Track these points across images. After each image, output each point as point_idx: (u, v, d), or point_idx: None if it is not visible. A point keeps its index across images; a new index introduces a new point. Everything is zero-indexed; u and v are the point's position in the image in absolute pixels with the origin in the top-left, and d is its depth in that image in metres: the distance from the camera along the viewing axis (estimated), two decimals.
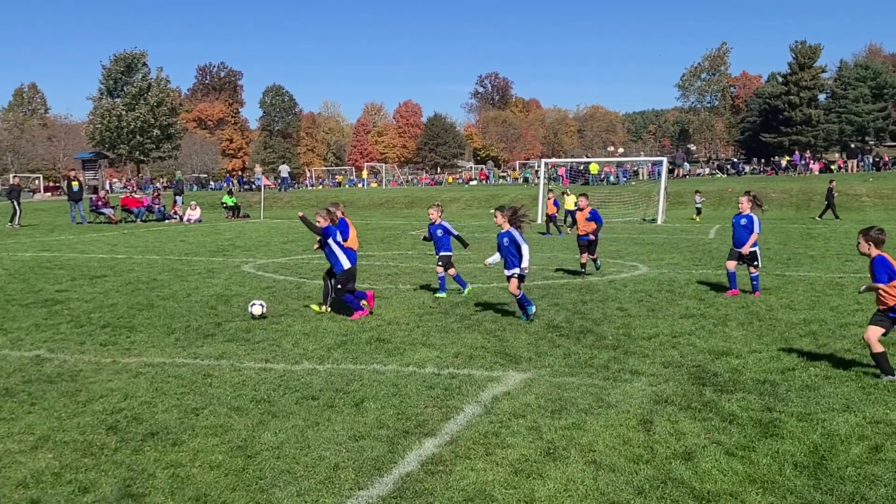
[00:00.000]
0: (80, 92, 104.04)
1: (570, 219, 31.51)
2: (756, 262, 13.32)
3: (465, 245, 13.98)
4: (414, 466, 5.78)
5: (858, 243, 8.24)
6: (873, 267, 8.00)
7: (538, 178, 48.32)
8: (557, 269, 16.95)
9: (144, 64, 75.17)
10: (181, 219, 38.19)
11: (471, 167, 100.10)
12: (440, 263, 13.51)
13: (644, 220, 34.98)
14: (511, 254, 11.17)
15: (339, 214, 12.36)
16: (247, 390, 7.80)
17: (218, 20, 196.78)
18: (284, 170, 64.43)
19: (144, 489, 5.41)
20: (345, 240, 12.08)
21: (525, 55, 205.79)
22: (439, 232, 13.54)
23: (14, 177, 38.36)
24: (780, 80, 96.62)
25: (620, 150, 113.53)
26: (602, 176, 58.36)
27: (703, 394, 7.49)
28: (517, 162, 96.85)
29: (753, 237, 13.18)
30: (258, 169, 70.71)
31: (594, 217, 15.86)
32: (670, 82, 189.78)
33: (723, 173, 70.14)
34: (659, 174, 41.94)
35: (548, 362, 8.81)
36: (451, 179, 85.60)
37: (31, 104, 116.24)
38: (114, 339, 10.29)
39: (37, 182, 76.64)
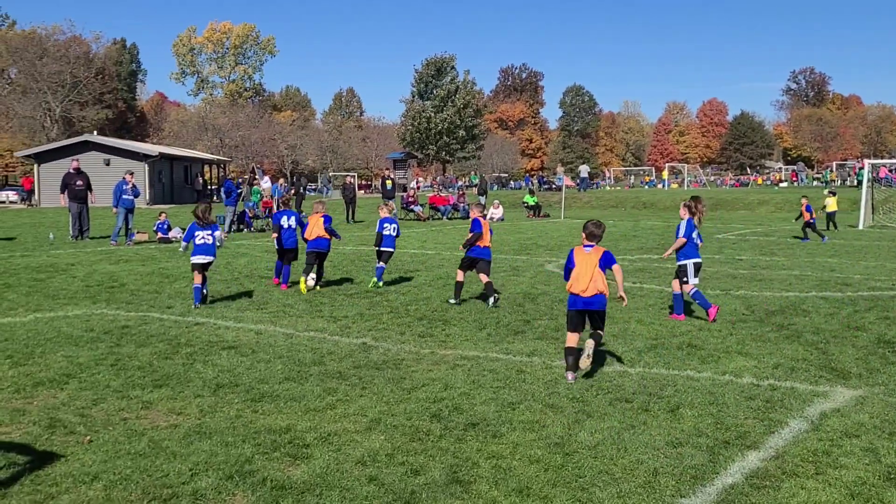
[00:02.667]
0: (391, 95, 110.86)
1: (831, 224, 28.99)
2: (684, 279, 11.46)
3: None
4: (738, 479, 5.56)
5: None
6: None
7: (858, 180, 44.88)
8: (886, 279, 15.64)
9: (453, 67, 78.52)
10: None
11: (780, 168, 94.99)
12: None
13: None
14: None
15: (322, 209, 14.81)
16: (560, 388, 7.89)
17: (520, 21, 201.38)
18: (584, 170, 64.66)
19: (470, 477, 5.63)
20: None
21: (845, 48, 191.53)
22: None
23: (348, 177, 41.56)
24: None
25: None
26: None
27: None
28: (833, 163, 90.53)
29: (676, 244, 11.56)
30: (560, 169, 71.49)
31: None
32: None
33: None
34: None
35: (881, 380, 8.13)
36: (759, 181, 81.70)
37: (349, 107, 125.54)
38: (430, 330, 10.82)
39: (349, 179, 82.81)
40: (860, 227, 32.23)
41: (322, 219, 14.62)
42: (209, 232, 13.04)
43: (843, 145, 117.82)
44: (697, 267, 11.63)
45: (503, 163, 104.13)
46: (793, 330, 10.68)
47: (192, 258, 12.98)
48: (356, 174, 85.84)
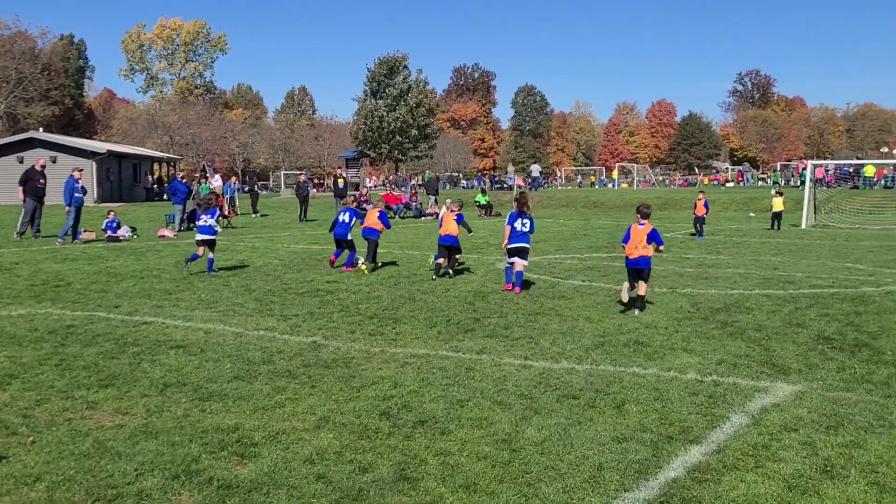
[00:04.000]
0: (344, 94, 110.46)
1: (776, 222, 29.99)
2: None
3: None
4: (680, 473, 5.68)
5: None
6: None
7: (801, 180, 45.85)
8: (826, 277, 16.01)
9: (406, 66, 78.44)
10: (436, 216, 39.55)
11: (727, 168, 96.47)
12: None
13: None
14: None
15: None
16: (508, 385, 7.97)
17: (473, 21, 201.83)
18: (536, 169, 65.09)
19: (418, 474, 5.68)
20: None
21: (789, 51, 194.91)
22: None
23: (302, 175, 41.27)
24: None
25: None
26: (877, 179, 54.20)
27: None
28: (778, 163, 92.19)
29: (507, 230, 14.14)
30: (511, 168, 71.86)
31: None
32: None
33: None
34: None
35: (820, 375, 8.34)
36: (706, 180, 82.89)
37: (301, 106, 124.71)
38: (381, 329, 10.85)
39: (303, 178, 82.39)
40: (803, 226, 32.89)
41: (378, 212, 17.61)
42: (209, 216, 16.23)
43: (787, 146, 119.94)
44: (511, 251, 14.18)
45: (456, 162, 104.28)
46: (736, 327, 10.90)
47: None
48: (310, 173, 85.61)
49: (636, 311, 11.83)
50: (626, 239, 12.23)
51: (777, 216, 30.74)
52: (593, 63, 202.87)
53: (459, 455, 6.04)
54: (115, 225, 25.03)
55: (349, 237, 17.26)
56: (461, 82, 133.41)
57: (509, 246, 14.15)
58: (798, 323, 11.15)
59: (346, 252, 17.38)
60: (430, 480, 5.56)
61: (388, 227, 17.70)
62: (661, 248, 12.50)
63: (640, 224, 12.07)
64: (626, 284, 11.99)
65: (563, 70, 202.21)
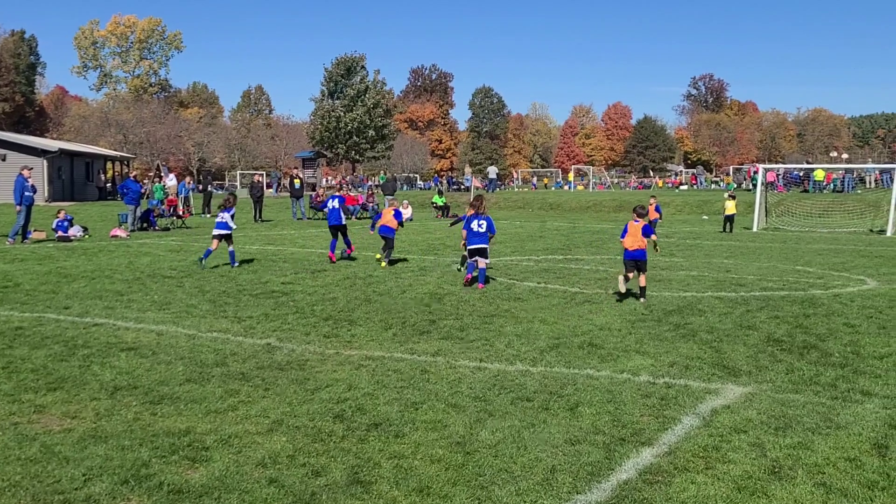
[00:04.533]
0: (301, 94, 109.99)
1: (728, 224, 30.60)
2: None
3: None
4: (632, 475, 5.72)
5: None
6: None
7: (753, 184, 46.56)
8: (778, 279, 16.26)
9: (363, 67, 78.29)
10: None
11: (681, 171, 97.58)
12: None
13: (872, 230, 32.84)
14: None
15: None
16: (463, 388, 7.98)
17: (431, 22, 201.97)
18: (493, 171, 65.24)
19: (371, 477, 5.66)
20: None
21: (742, 56, 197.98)
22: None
23: (257, 175, 40.92)
24: None
25: (845, 155, 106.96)
26: (826, 183, 55.18)
27: None
28: (730, 167, 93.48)
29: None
30: (468, 170, 71.98)
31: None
32: None
33: None
34: (889, 182, 39.24)
35: (769, 377, 8.47)
36: (660, 183, 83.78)
37: (258, 105, 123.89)
38: (336, 331, 10.80)
39: (260, 178, 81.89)
40: (754, 229, 33.35)
41: (392, 211, 18.71)
42: (226, 213, 17.69)
43: (740, 150, 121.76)
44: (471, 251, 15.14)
45: (413, 163, 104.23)
46: (689, 329, 11.02)
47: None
48: (278, 174, 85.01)
49: (641, 300, 13.23)
50: (624, 234, 13.50)
51: (729, 219, 31.23)
52: (550, 65, 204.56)
53: (413, 458, 6.03)
54: (66, 224, 24.65)
55: (343, 221, 19.11)
56: (419, 83, 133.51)
57: (469, 247, 15.18)
58: (749, 325, 11.30)
59: (342, 239, 19.13)
60: (384, 484, 5.55)
61: (401, 224, 19.18)
62: (654, 236, 14.03)
63: (635, 221, 13.43)
64: (622, 277, 13.34)
65: (521, 72, 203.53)
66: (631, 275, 13.40)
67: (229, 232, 17.67)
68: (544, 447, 6.27)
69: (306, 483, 5.54)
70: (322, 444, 6.32)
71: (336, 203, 19.30)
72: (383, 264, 17.96)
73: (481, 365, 8.94)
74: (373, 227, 18.94)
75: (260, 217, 35.81)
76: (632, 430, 6.71)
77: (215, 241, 17.62)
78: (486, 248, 14.95)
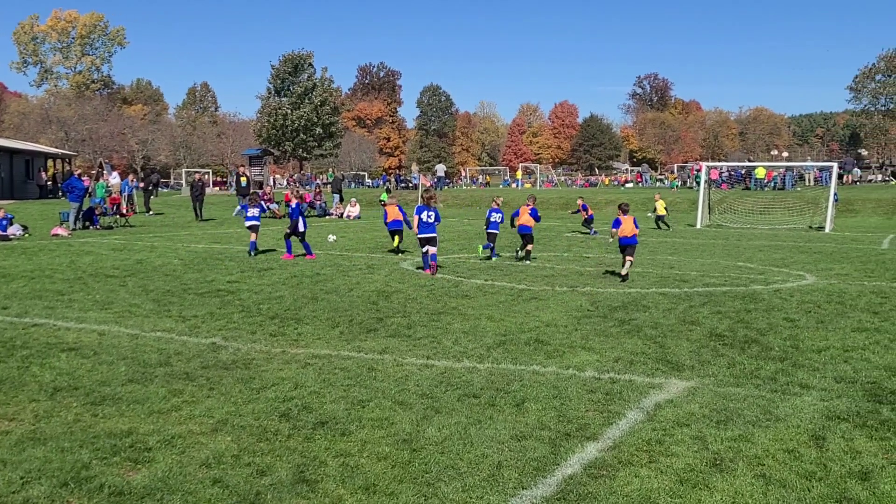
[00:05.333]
0: (247, 91, 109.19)
1: (661, 224, 31.17)
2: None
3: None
4: (577, 469, 5.77)
5: None
6: None
7: (696, 182, 47.28)
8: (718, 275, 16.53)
9: (310, 64, 77.62)
10: (341, 216, 39.32)
11: (627, 169, 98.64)
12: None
13: (811, 227, 33.56)
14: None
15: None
16: (410, 385, 7.98)
17: (378, 19, 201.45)
18: (441, 169, 65.35)
19: (317, 476, 5.63)
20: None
21: (686, 56, 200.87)
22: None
23: (197, 174, 40.28)
24: None
25: (785, 153, 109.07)
26: (767, 180, 56.22)
27: (880, 412, 7.14)
28: (675, 165, 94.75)
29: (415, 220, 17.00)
30: (415, 167, 71.94)
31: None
32: (841, 84, 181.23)
33: None
34: (827, 180, 40.10)
35: (711, 371, 8.61)
36: (606, 181, 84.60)
37: (203, 102, 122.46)
38: (282, 329, 10.73)
39: (206, 177, 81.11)
40: (698, 226, 33.88)
41: (397, 207, 20.77)
42: (257, 209, 20.41)
43: (684, 148, 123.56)
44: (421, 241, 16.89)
45: (361, 161, 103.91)
46: (633, 325, 11.15)
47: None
48: (211, 170, 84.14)
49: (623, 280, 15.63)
50: (617, 224, 16.02)
51: (661, 218, 31.79)
52: (498, 64, 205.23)
53: (360, 456, 6.02)
54: (5, 223, 24.11)
55: (301, 227, 19.43)
56: (367, 81, 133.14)
57: (420, 236, 16.86)
58: (692, 320, 11.47)
59: (298, 242, 19.55)
60: (330, 482, 5.52)
61: (406, 219, 20.37)
62: (637, 228, 16.33)
63: (625, 215, 16.05)
64: (623, 258, 15.99)
65: (468, 71, 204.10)
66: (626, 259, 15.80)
67: (258, 223, 20.16)
68: (490, 443, 6.30)
69: (251, 483, 5.49)
70: (267, 443, 6.28)
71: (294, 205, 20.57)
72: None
73: (428, 362, 8.94)
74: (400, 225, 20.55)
75: (201, 216, 35.26)
76: (577, 425, 6.77)
77: (253, 234, 19.81)
78: (435, 237, 16.77)
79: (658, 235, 28.57)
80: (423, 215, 16.82)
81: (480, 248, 20.27)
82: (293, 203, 22.43)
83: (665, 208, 32.28)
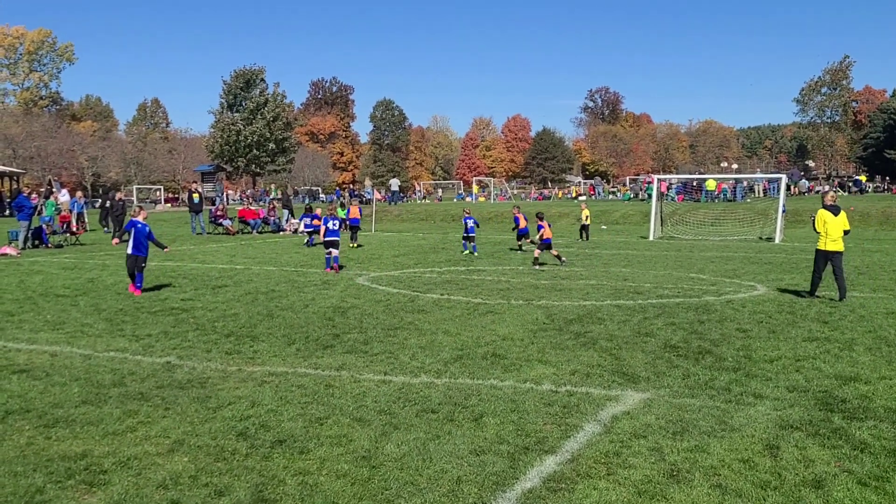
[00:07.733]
0: (199, 106, 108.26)
1: (584, 233, 31.55)
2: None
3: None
4: (536, 483, 5.81)
5: None
6: None
7: (648, 194, 47.85)
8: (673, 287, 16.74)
9: (262, 80, 77.28)
10: (295, 231, 39.06)
11: (579, 182, 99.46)
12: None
13: (761, 238, 34.09)
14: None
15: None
16: (368, 402, 7.97)
17: (330, 35, 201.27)
18: (395, 183, 65.34)
19: (276, 495, 5.60)
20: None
21: (636, 70, 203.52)
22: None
23: (118, 193, 39.06)
24: None
25: (735, 165, 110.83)
26: (717, 192, 57.07)
27: (832, 420, 7.29)
28: (627, 177, 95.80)
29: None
30: (368, 182, 71.86)
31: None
32: (788, 97, 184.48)
33: (844, 191, 67.75)
34: (776, 191, 40.78)
35: (667, 382, 8.71)
36: (560, 194, 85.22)
37: (154, 118, 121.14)
38: (238, 347, 10.65)
39: (158, 193, 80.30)
40: (651, 238, 34.23)
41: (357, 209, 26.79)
42: (335, 222, 20.85)
43: (636, 161, 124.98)
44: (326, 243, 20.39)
45: (315, 176, 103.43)
46: (589, 337, 11.25)
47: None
48: (162, 187, 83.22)
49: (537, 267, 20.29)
50: (540, 227, 21.14)
51: (585, 228, 32.21)
52: (450, 78, 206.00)
53: (318, 474, 6.00)
54: None
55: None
56: (319, 96, 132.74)
57: (326, 239, 20.34)
58: (647, 332, 11.60)
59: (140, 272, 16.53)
60: (289, 501, 5.50)
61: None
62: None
63: (543, 221, 21.34)
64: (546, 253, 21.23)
65: (421, 85, 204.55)
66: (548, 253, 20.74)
67: (338, 239, 20.76)
68: (449, 458, 6.31)
69: (209, 503, 5.45)
70: (225, 462, 6.23)
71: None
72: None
73: (386, 378, 8.94)
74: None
75: (113, 233, 33.74)
76: (535, 438, 6.81)
77: (334, 250, 20.27)
78: (338, 241, 20.49)
79: (612, 247, 28.81)
80: (330, 224, 20.46)
81: (471, 250, 25.37)
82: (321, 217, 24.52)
83: (587, 217, 32.71)
